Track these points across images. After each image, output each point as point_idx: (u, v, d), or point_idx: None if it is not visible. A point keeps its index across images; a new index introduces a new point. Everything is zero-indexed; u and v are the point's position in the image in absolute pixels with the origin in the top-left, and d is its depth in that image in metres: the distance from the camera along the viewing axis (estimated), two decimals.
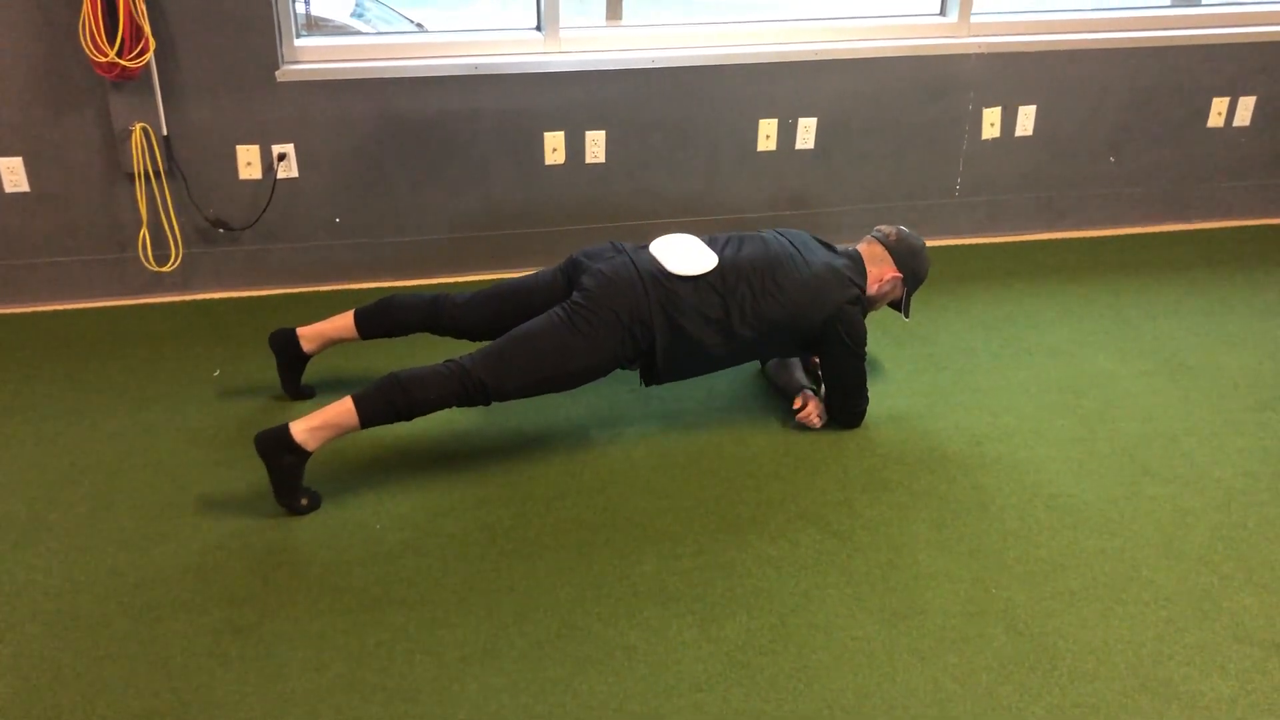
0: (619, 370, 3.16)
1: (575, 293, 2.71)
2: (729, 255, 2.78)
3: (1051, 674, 2.10)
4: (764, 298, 2.73)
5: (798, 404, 2.95)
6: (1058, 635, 2.19)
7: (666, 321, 2.67)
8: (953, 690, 2.06)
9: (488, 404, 2.61)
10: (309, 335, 2.92)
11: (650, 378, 2.79)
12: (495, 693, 2.04)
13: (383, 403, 2.51)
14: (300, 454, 2.48)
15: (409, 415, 2.54)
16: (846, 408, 2.88)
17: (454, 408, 2.62)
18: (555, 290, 2.83)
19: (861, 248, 2.96)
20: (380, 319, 2.89)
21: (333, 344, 2.95)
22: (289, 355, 2.95)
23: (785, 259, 2.79)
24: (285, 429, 2.46)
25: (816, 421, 2.91)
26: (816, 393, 2.99)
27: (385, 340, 3.28)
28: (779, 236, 2.90)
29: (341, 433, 2.51)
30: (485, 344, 2.69)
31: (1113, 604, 2.28)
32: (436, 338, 3.16)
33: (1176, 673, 2.10)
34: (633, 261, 2.75)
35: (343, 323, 2.91)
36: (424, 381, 2.53)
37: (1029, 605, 2.28)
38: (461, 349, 3.17)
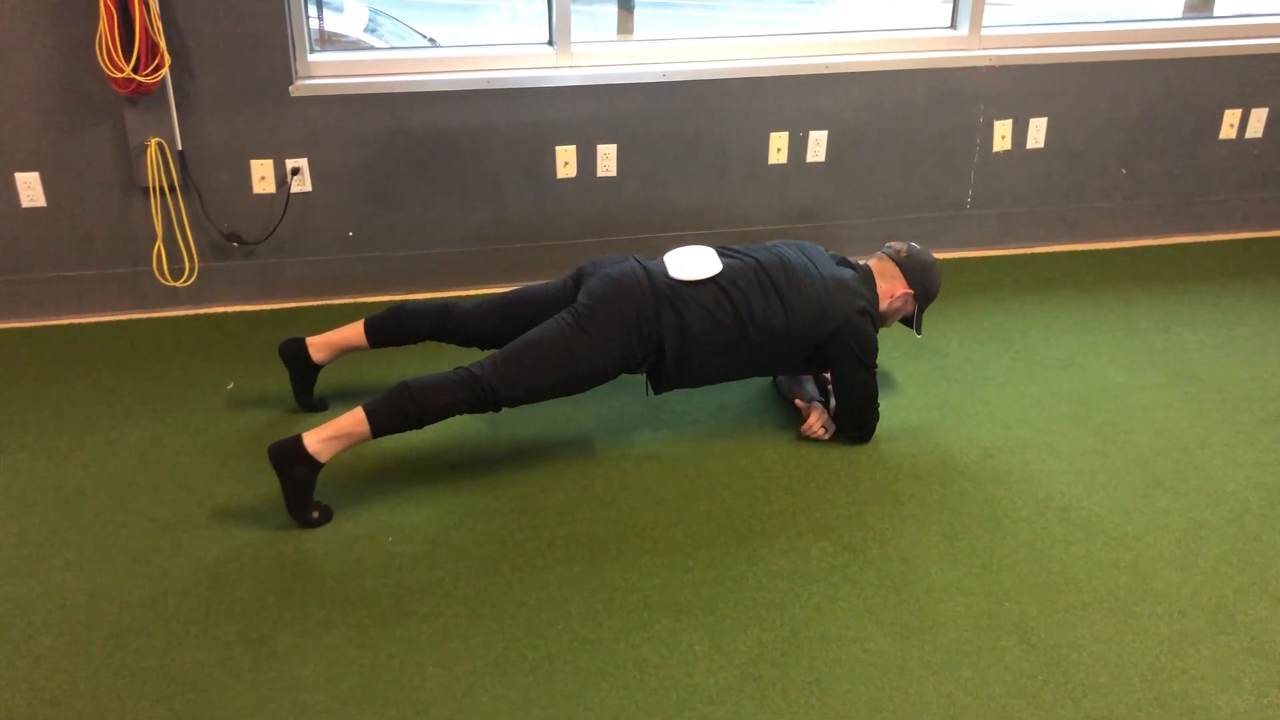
0: (630, 382, 3.17)
1: (581, 296, 2.72)
2: (737, 263, 2.78)
3: (1065, 687, 2.09)
4: (771, 304, 2.73)
5: (803, 409, 2.96)
6: (1071, 648, 2.19)
7: (675, 318, 2.68)
8: (965, 703, 2.05)
9: (498, 410, 2.62)
10: (319, 344, 2.94)
11: (659, 383, 2.79)
12: (507, 705, 2.04)
13: (394, 411, 2.52)
14: (313, 465, 2.49)
15: (420, 423, 2.55)
16: (856, 422, 2.87)
17: (465, 414, 2.62)
18: (564, 298, 2.84)
19: (872, 264, 2.96)
20: (390, 327, 2.91)
21: (343, 353, 2.96)
22: (300, 365, 2.96)
23: (796, 269, 2.79)
24: (298, 440, 2.48)
25: (821, 432, 2.91)
26: (825, 405, 2.98)
27: (396, 350, 3.29)
28: (791, 247, 2.90)
29: (354, 442, 2.52)
30: (494, 351, 2.69)
31: (1126, 617, 2.27)
32: (448, 347, 3.17)
33: (1191, 686, 2.09)
34: (641, 265, 2.77)
35: (353, 331, 2.92)
36: (434, 388, 2.54)
37: (1042, 618, 2.27)
38: (472, 358, 3.18)
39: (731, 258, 2.81)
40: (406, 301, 2.94)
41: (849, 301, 2.78)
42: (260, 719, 2.01)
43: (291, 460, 2.48)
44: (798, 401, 2.99)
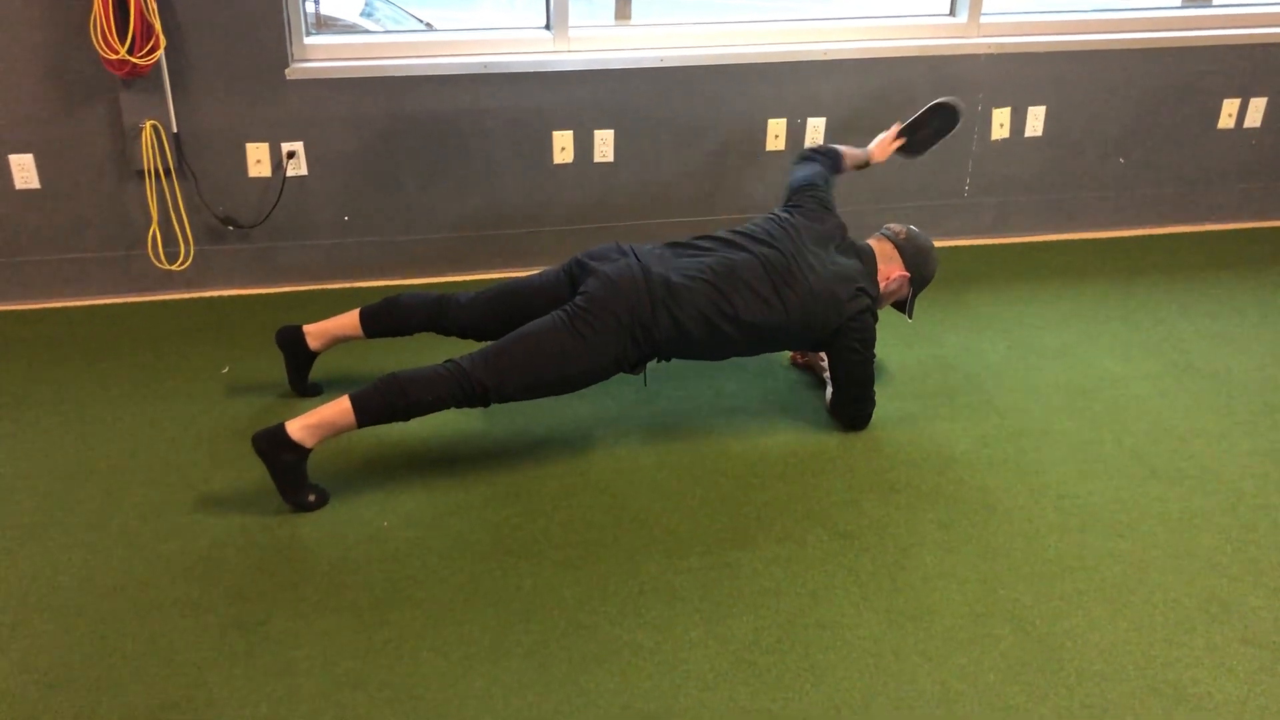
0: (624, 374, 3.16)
1: (578, 295, 2.69)
2: (736, 259, 2.75)
3: (1059, 675, 2.09)
4: (771, 305, 2.71)
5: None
6: (1065, 636, 2.19)
7: (671, 322, 2.66)
8: (960, 690, 2.05)
9: (486, 405, 2.60)
10: (315, 333, 2.93)
11: (660, 357, 2.79)
12: (501, 690, 2.04)
13: (380, 403, 2.50)
14: (299, 451, 2.48)
15: (406, 416, 2.53)
16: (852, 409, 2.87)
17: (453, 409, 2.61)
18: (559, 291, 2.82)
19: (872, 243, 2.95)
20: (385, 318, 2.89)
21: (338, 342, 2.95)
22: (296, 352, 2.95)
23: (799, 265, 2.76)
24: (281, 427, 2.46)
25: (819, 362, 3.13)
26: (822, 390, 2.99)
27: (391, 339, 3.28)
28: (796, 231, 2.86)
29: (338, 431, 2.51)
30: (486, 345, 2.67)
31: (1121, 605, 2.28)
32: (442, 338, 3.16)
33: (1185, 674, 2.10)
34: (638, 261, 2.73)
35: (348, 321, 2.91)
36: (422, 382, 2.52)
37: (1036, 606, 2.27)
38: (466, 349, 3.17)
39: (731, 252, 2.78)
40: (402, 293, 2.93)
41: (852, 302, 2.77)
42: (254, 703, 2.01)
43: (276, 447, 2.46)
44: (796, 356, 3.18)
